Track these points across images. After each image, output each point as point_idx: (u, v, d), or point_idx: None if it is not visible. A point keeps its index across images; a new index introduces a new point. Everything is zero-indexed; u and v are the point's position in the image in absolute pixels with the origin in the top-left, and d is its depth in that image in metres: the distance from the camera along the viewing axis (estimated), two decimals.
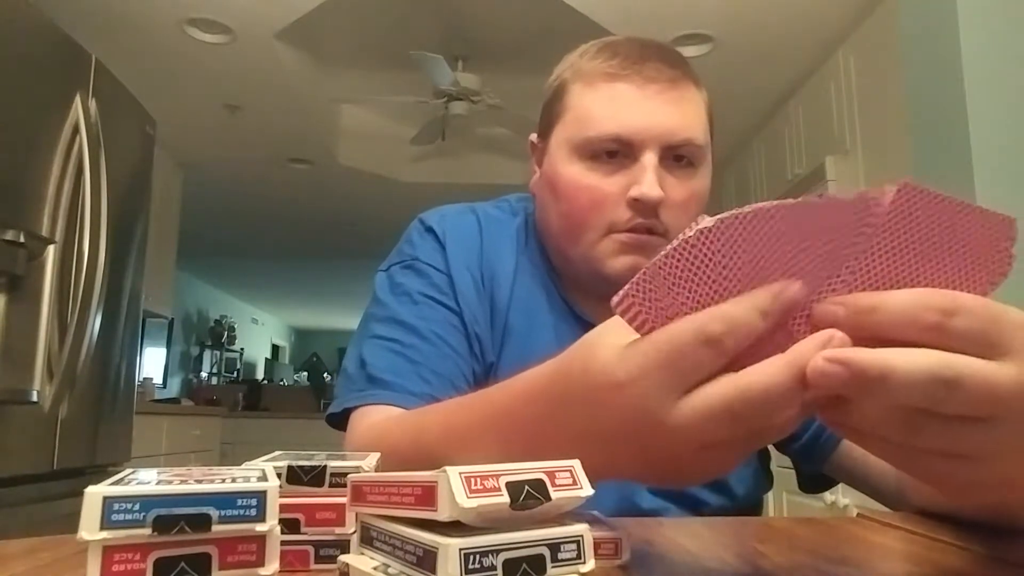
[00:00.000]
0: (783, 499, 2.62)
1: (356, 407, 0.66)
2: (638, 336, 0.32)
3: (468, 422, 0.47)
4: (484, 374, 0.71)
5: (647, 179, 0.65)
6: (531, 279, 0.74)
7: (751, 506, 0.75)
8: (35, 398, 1.69)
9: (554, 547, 0.27)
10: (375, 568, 0.29)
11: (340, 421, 0.68)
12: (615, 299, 0.32)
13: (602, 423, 0.33)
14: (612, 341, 0.33)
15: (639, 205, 0.66)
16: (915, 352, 0.28)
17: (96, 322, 1.83)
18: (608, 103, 0.67)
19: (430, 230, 0.75)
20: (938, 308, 0.29)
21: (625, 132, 0.66)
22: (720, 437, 0.31)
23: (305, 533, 0.34)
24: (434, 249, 0.74)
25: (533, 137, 0.77)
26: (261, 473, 0.30)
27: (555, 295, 0.74)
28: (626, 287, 0.31)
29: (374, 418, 0.63)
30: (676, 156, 0.68)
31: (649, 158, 0.66)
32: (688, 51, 2.86)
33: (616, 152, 0.67)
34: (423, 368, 0.66)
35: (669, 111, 0.67)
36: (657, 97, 0.67)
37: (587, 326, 0.72)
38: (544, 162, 0.73)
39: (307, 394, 6.47)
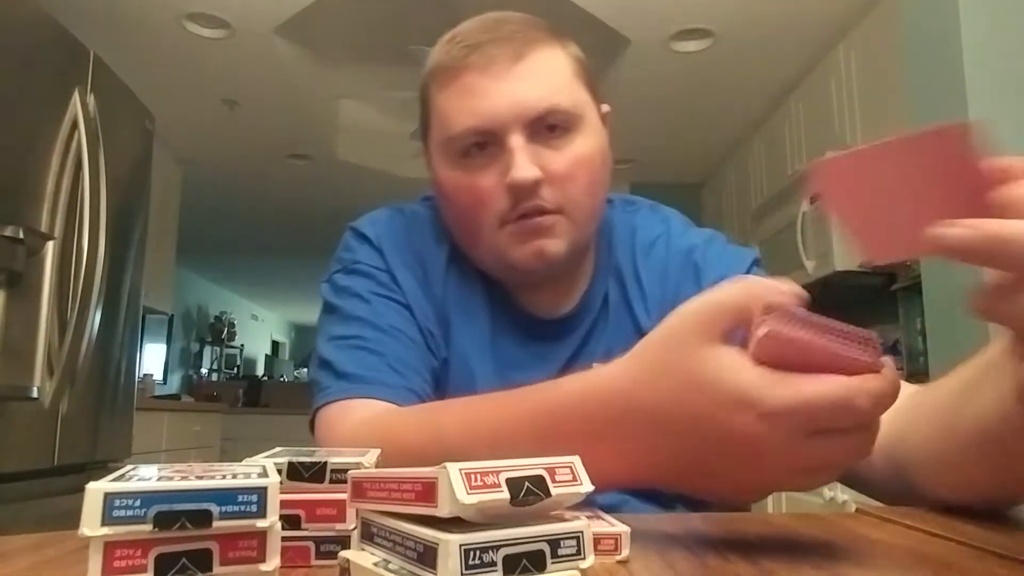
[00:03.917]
0: (781, 496, 2.63)
1: (327, 403, 0.64)
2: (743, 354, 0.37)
3: (499, 425, 0.48)
4: (440, 369, 0.70)
5: (516, 162, 0.63)
6: (463, 273, 0.74)
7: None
8: (35, 394, 1.70)
9: (554, 543, 0.27)
10: (376, 564, 0.29)
11: None
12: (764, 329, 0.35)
13: (706, 439, 0.38)
14: (737, 363, 0.37)
15: (517, 190, 0.64)
16: None
17: (96, 318, 1.83)
18: (459, 98, 0.66)
19: (364, 236, 0.75)
20: None
21: (482, 122, 0.64)
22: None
23: (306, 529, 0.34)
24: (372, 252, 0.73)
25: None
26: (262, 469, 0.30)
27: (490, 284, 0.73)
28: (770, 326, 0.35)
29: (361, 414, 0.61)
30: (548, 127, 0.65)
31: (515, 140, 0.64)
32: (688, 46, 2.86)
33: (485, 143, 0.65)
34: (389, 358, 0.65)
35: (520, 86, 0.64)
36: (505, 75, 0.64)
37: (522, 311, 0.73)
38: (430, 169, 0.73)
39: (307, 390, 6.45)
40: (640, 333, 0.40)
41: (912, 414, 0.50)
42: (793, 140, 3.14)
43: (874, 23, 2.52)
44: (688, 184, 4.35)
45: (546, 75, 0.66)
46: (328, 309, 0.73)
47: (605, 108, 0.73)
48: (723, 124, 3.61)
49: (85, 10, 2.58)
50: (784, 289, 0.37)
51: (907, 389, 0.52)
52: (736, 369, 0.36)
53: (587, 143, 0.67)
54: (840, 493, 2.15)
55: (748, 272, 0.74)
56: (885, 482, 0.54)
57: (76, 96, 1.83)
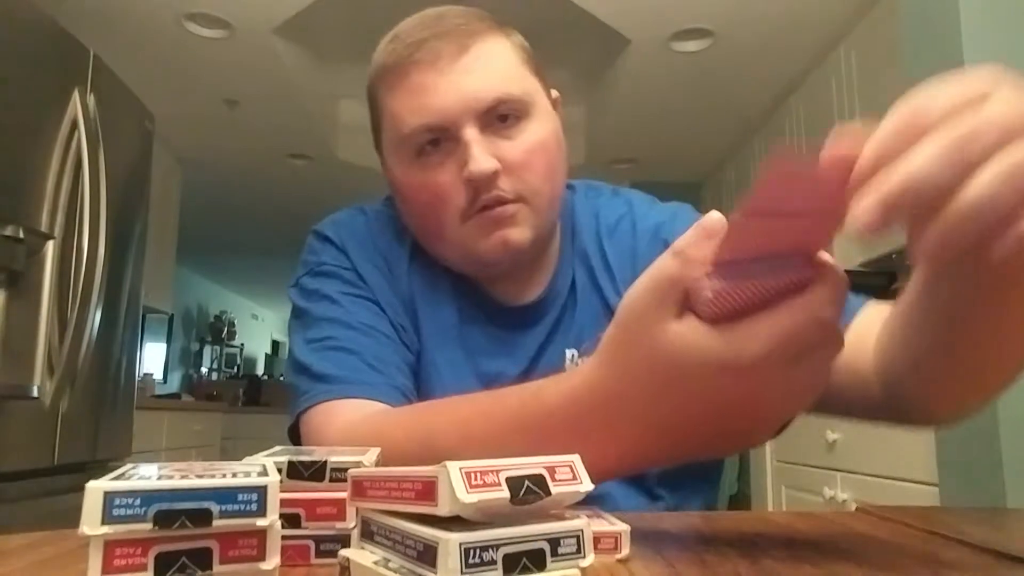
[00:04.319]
0: (782, 493, 2.63)
1: (309, 408, 0.63)
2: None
3: (489, 429, 0.48)
4: (416, 363, 0.70)
5: (472, 155, 0.63)
6: (427, 266, 0.73)
7: (702, 468, 0.73)
8: (36, 393, 1.70)
9: (554, 542, 0.27)
10: (376, 562, 0.29)
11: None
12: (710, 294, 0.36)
13: (702, 400, 0.38)
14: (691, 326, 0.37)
15: (476, 183, 0.63)
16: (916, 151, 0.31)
17: (96, 317, 1.83)
18: (408, 97, 0.65)
19: (326, 238, 0.74)
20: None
21: (433, 118, 0.64)
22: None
23: (306, 528, 0.34)
24: (336, 253, 0.73)
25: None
26: (262, 468, 0.30)
27: (455, 275, 0.73)
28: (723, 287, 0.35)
29: (347, 417, 0.61)
30: (500, 117, 0.65)
31: (469, 133, 0.63)
32: (688, 46, 2.86)
33: (439, 139, 0.65)
34: (366, 356, 0.65)
35: (468, 79, 0.64)
36: (451, 69, 0.64)
37: (489, 300, 0.73)
38: (386, 171, 0.72)
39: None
40: (611, 315, 0.41)
41: (892, 334, 0.52)
42: (794, 139, 3.14)
43: (874, 23, 2.52)
44: (688, 184, 4.35)
45: (493, 65, 0.66)
46: (298, 314, 0.72)
47: (555, 94, 0.73)
48: (723, 124, 3.61)
49: (85, 10, 2.58)
50: (703, 235, 0.36)
51: (883, 312, 0.53)
52: (700, 341, 0.36)
53: (541, 129, 0.67)
54: (840, 492, 2.15)
55: None
56: (887, 406, 0.55)
57: (76, 96, 1.82)
